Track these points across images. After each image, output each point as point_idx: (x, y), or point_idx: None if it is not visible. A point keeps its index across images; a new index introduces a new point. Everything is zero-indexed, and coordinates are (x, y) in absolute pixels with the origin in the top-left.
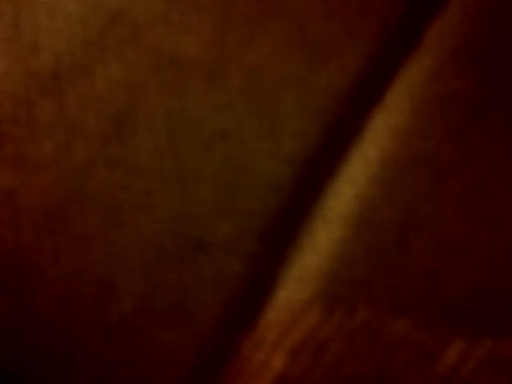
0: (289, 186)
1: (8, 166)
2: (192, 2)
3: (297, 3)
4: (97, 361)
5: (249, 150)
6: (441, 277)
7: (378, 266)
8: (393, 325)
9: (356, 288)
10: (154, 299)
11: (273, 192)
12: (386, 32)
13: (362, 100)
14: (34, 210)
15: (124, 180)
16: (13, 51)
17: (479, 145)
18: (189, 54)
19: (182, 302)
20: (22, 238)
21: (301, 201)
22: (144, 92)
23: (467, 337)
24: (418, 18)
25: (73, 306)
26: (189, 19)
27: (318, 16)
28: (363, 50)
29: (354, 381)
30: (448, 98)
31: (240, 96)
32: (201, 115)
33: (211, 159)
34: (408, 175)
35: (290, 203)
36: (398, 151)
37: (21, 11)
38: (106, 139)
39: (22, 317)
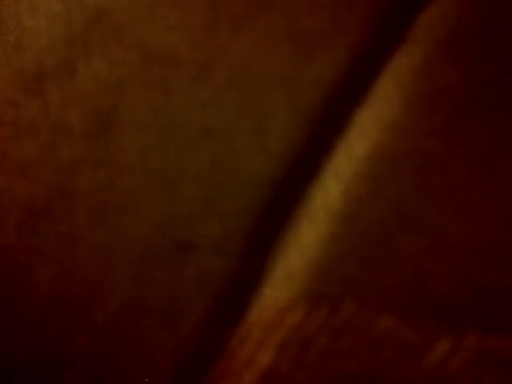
0: (274, 184)
1: None
2: None
3: None
4: (84, 361)
5: (235, 147)
6: (428, 274)
7: (364, 262)
8: (379, 321)
9: (342, 285)
10: (140, 299)
11: (259, 190)
12: (374, 24)
13: (350, 94)
14: (19, 211)
15: (109, 179)
16: None
17: (469, 139)
18: (173, 50)
19: (168, 302)
20: (6, 238)
21: (287, 198)
22: (128, 89)
23: (453, 333)
24: (406, 10)
25: (59, 307)
26: (173, 16)
27: (304, 10)
28: (351, 43)
29: (340, 377)
30: (437, 91)
31: (226, 93)
32: (186, 112)
33: (197, 157)
34: (396, 170)
35: (276, 201)
36: (385, 146)
37: (3, 11)
38: (90, 138)
39: (8, 317)
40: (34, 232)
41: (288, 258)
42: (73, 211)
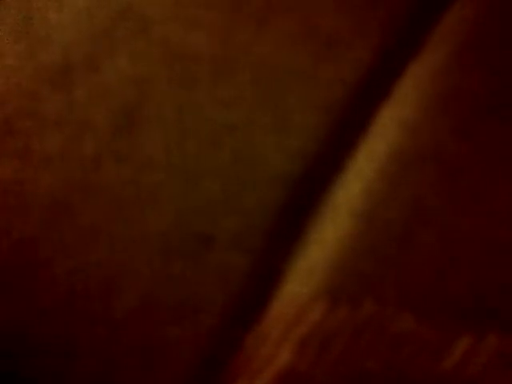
0: (296, 181)
1: (15, 160)
2: None
3: None
4: (100, 356)
5: (257, 144)
6: (448, 272)
7: (384, 260)
8: (398, 320)
9: (362, 282)
10: (159, 295)
11: (280, 186)
12: (395, 25)
13: (370, 94)
14: (41, 203)
15: (131, 174)
16: (23, 45)
17: (487, 139)
18: (197, 48)
19: (187, 298)
20: (28, 230)
21: (308, 195)
22: (153, 86)
23: (474, 332)
24: (427, 11)
25: (77, 301)
26: (197, 14)
27: (326, 9)
28: (372, 43)
29: (360, 375)
30: (457, 92)
31: (248, 90)
32: (209, 109)
33: (219, 154)
34: (416, 169)
35: (297, 197)
36: (405, 145)
37: (31, 4)
38: (114, 133)
39: (26, 309)
40: (56, 225)
41: (309, 254)
42: (94, 205)
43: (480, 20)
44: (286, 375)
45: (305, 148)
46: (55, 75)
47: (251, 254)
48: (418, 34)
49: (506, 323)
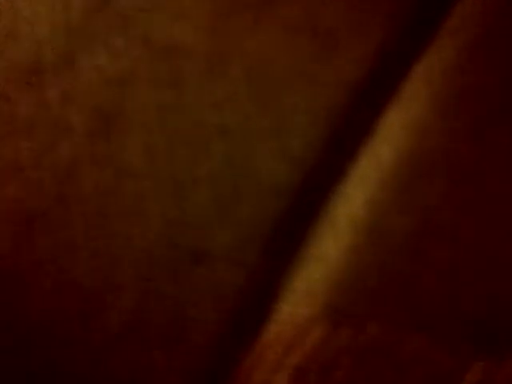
0: (294, 190)
1: None
2: None
3: None
4: (81, 381)
5: (251, 149)
6: (461, 290)
7: (390, 277)
8: (407, 342)
9: (365, 302)
10: (144, 316)
11: (277, 196)
12: (401, 21)
13: (375, 94)
14: (13, 216)
15: (112, 183)
16: None
17: (500, 145)
18: (184, 42)
19: (175, 319)
20: (0, 246)
21: (307, 206)
22: (134, 85)
23: (491, 357)
24: (431, 10)
25: (56, 322)
26: (183, 4)
27: (327, 2)
28: (376, 40)
29: None
30: (468, 92)
31: (241, 89)
32: (198, 110)
33: (209, 160)
34: (425, 178)
35: (296, 208)
36: (413, 151)
37: None
38: (92, 137)
39: (3, 331)
40: (30, 240)
41: (308, 271)
42: (72, 218)
43: (492, 16)
44: None
45: (305, 153)
46: (26, 74)
47: (246, 269)
48: (423, 32)
49: None
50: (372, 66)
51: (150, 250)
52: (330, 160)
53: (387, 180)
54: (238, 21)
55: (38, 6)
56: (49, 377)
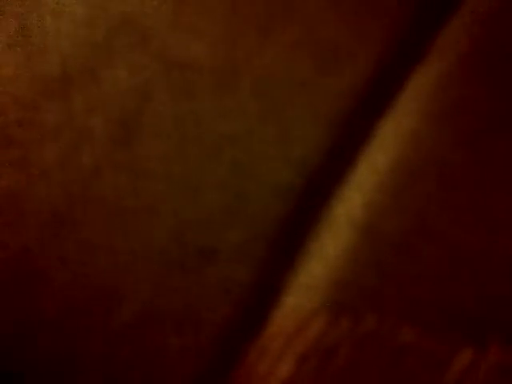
0: (297, 193)
1: (13, 170)
2: (200, 6)
3: (307, 7)
4: (99, 368)
5: (257, 155)
6: (449, 285)
7: (385, 273)
8: (400, 333)
9: (363, 296)
10: (158, 307)
11: (281, 198)
12: (397, 36)
13: (372, 105)
14: (40, 215)
15: (130, 185)
16: (20, 54)
17: (491, 151)
18: (197, 58)
19: (187, 310)
20: (27, 242)
21: (309, 207)
22: (152, 96)
23: (476, 345)
24: (429, 22)
25: (76, 313)
26: (197, 24)
27: (328, 20)
28: (374, 54)
29: None
30: (460, 103)
31: (249, 101)
32: (209, 120)
33: (219, 165)
34: (418, 182)
35: (298, 210)
36: (407, 157)
37: (28, 13)
38: (112, 143)
39: (26, 321)
40: (55, 236)
41: (309, 267)
42: (93, 216)
43: (483, 29)
44: None
45: (306, 159)
46: (53, 85)
47: (252, 266)
48: (421, 44)
49: (508, 335)
50: (369, 77)
51: (164, 247)
52: (330, 165)
53: (383, 184)
54: (245, 40)
55: (64, 23)
56: (67, 362)
